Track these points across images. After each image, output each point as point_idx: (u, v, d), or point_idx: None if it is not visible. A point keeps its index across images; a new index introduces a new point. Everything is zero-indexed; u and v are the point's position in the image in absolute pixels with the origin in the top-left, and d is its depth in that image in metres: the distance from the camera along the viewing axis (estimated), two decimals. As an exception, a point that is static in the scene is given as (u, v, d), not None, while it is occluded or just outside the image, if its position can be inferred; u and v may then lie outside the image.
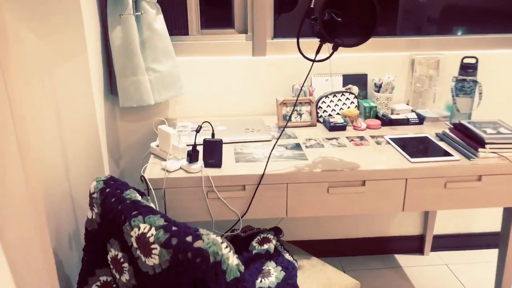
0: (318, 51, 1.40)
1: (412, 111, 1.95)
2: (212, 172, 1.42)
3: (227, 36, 1.95)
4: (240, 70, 1.95)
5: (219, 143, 1.44)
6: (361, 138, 1.72)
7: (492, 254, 2.30)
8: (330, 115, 1.90)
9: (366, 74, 2.00)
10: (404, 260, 2.27)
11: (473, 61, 1.76)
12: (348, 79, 1.98)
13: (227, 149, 1.61)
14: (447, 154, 1.53)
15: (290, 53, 1.96)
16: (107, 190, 1.09)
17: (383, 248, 2.32)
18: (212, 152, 1.44)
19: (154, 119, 1.97)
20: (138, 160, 2.02)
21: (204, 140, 1.45)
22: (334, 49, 1.37)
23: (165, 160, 1.50)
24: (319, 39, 1.39)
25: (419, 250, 2.33)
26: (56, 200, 1.25)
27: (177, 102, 1.96)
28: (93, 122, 1.59)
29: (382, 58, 2.00)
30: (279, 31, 2.00)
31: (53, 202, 1.24)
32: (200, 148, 1.55)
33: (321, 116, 1.90)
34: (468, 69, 1.75)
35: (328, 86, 1.97)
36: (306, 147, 1.63)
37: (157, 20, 1.70)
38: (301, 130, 1.81)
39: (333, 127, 1.79)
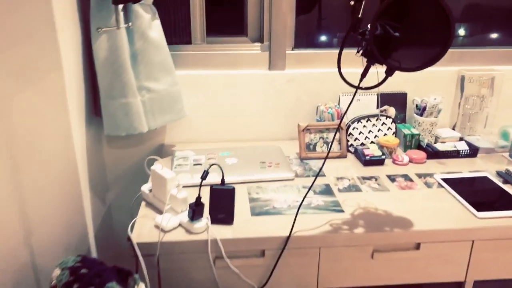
0: (364, 75, 1.05)
1: (461, 139, 1.61)
2: (221, 231, 1.08)
3: (238, 46, 1.60)
4: (253, 87, 1.60)
5: (231, 192, 1.10)
6: (405, 177, 1.38)
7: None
8: (363, 144, 1.56)
9: (406, 93, 1.65)
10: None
11: (544, 82, 1.42)
12: (384, 99, 1.64)
13: (240, 191, 1.27)
14: (522, 206, 1.20)
15: (314, 67, 1.62)
16: (75, 286, 0.74)
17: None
18: (221, 203, 1.10)
19: (147, 145, 1.62)
20: (130, 193, 1.68)
21: (212, 189, 1.11)
22: (388, 74, 1.03)
23: (160, 212, 1.16)
24: (365, 59, 1.05)
25: (457, 295, 2.00)
26: (10, 276, 0.92)
27: (176, 124, 1.62)
28: (69, 154, 1.24)
29: (423, 74, 1.66)
30: (299, 40, 1.66)
31: (5, 281, 0.90)
32: (205, 197, 1.21)
33: (351, 145, 1.56)
34: (538, 92, 1.41)
35: (359, 107, 1.63)
36: (339, 190, 1.30)
37: (152, 27, 1.35)
38: (329, 164, 1.47)
39: (369, 162, 1.45)
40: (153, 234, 1.07)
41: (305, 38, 1.69)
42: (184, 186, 1.28)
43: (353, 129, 1.55)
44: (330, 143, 1.51)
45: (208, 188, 1.25)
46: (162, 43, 1.39)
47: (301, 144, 1.50)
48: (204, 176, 1.06)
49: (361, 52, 1.05)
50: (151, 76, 1.38)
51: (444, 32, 0.98)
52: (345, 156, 1.52)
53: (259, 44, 1.60)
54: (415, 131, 1.56)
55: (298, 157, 1.52)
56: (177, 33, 1.58)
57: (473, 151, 1.53)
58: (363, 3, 1.01)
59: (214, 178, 1.30)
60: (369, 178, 1.37)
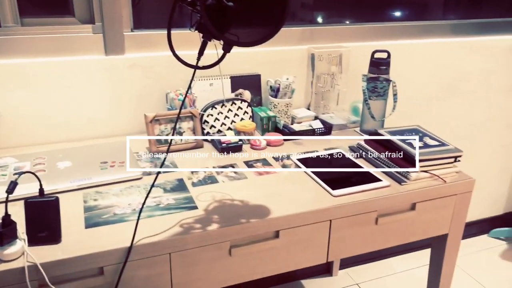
0: (201, 53, 0.93)
1: (316, 117, 1.61)
2: (45, 253, 0.87)
3: (64, 28, 1.35)
4: (89, 76, 1.38)
5: (54, 204, 0.89)
6: (263, 161, 1.30)
7: (400, 263, 2.12)
8: (219, 131, 1.45)
9: (259, 75, 1.59)
10: (312, 285, 1.96)
11: (384, 55, 1.46)
12: (238, 82, 1.55)
13: (72, 200, 1.06)
14: (373, 179, 1.20)
15: (159, 50, 1.45)
16: None
17: (287, 275, 1.98)
18: (42, 219, 0.89)
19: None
20: None
21: (26, 203, 0.88)
22: (226, 49, 0.91)
23: (-41, 240, 0.90)
24: (201, 35, 0.92)
25: (327, 271, 2.05)
26: None
27: (-7, 126, 1.32)
28: None
29: (275, 54, 1.61)
30: (142, 20, 1.47)
31: None
32: (19, 215, 0.98)
33: (207, 133, 1.44)
34: (380, 65, 1.45)
35: (213, 92, 1.51)
36: (193, 184, 1.16)
37: None
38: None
39: (226, 149, 1.35)
40: None
41: (149, 16, 1.51)
42: (-2, 202, 1.03)
43: (208, 116, 1.43)
44: (178, 133, 1.37)
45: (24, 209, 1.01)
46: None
47: (150, 137, 1.33)
48: (11, 189, 0.83)
49: (195, 27, 0.92)
50: None
51: (279, 9, 0.90)
52: (201, 146, 1.39)
53: (90, 25, 1.37)
54: (271, 113, 1.50)
55: (148, 152, 1.35)
56: (-23, 12, 1.27)
57: (328, 129, 1.53)
58: (190, -32, 0.88)
59: (32, 189, 1.06)
60: (227, 167, 1.26)
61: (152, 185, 0.97)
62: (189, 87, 0.96)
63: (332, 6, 1.86)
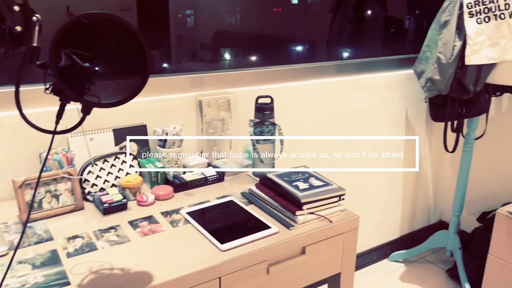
0: (59, 116, 0.86)
1: (209, 164, 1.58)
2: None
3: None
4: None
5: None
6: (150, 219, 1.23)
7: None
8: (102, 189, 1.36)
9: (145, 125, 1.53)
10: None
11: (268, 100, 1.49)
12: (122, 134, 1.47)
13: None
14: (263, 226, 1.19)
15: (28, 107, 1.34)
16: None
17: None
18: None
19: None
20: None
21: None
22: (85, 112, 0.85)
23: None
24: (58, 98, 0.85)
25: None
26: None
27: None
28: None
29: (162, 102, 1.57)
30: (7, 76, 1.36)
31: None
32: None
33: (89, 192, 1.34)
34: (264, 110, 1.47)
35: (95, 147, 1.42)
36: (68, 255, 1.06)
37: None
38: (61, 222, 1.21)
39: (109, 210, 1.26)
40: None
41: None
42: None
43: (89, 173, 1.34)
44: (58, 196, 1.25)
45: None
46: None
47: (20, 204, 1.20)
48: None
49: (50, 89, 0.85)
50: None
51: (142, 60, 0.86)
52: (81, 208, 1.29)
53: None
54: (159, 165, 1.44)
55: (20, 222, 1.21)
56: None
57: (221, 175, 1.50)
58: (37, 29, 0.81)
59: None
60: (108, 230, 1.17)
61: (10, 263, 0.86)
62: (48, 152, 0.87)
63: (232, 44, 1.90)
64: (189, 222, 1.21)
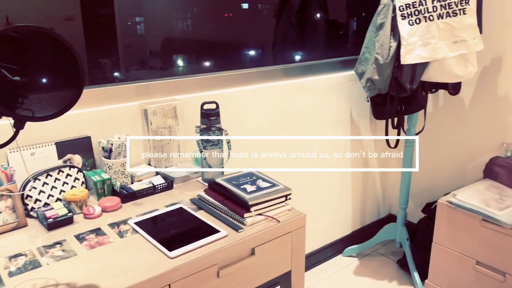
0: (-10, 132, 0.84)
1: (157, 173, 1.58)
2: None
3: None
4: None
5: None
6: (97, 231, 1.22)
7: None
8: (47, 204, 1.32)
9: (89, 137, 1.51)
10: None
11: (213, 106, 1.51)
12: (65, 147, 1.44)
13: None
14: (212, 231, 1.20)
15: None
16: None
17: None
18: None
19: None
20: None
21: None
22: (18, 126, 0.84)
23: None
24: (-13, 112, 0.83)
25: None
26: None
27: None
28: None
29: (106, 113, 1.55)
30: None
31: None
32: None
33: (32, 208, 1.30)
34: (210, 116, 1.49)
35: (37, 162, 1.38)
36: (10, 274, 1.02)
37: None
38: (2, 240, 1.17)
39: (53, 224, 1.23)
40: None
41: None
42: None
43: (31, 189, 1.30)
44: (-1, 215, 1.21)
45: None
46: None
47: (-44, 226, 1.15)
48: None
49: (-20, 103, 0.83)
50: None
51: (76, 72, 0.86)
52: (24, 225, 1.25)
53: None
54: (106, 176, 1.42)
55: (-44, 243, 1.16)
56: None
57: (169, 183, 1.50)
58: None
59: None
60: (53, 245, 1.14)
61: None
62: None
63: (181, 51, 1.90)
64: (137, 232, 1.21)
